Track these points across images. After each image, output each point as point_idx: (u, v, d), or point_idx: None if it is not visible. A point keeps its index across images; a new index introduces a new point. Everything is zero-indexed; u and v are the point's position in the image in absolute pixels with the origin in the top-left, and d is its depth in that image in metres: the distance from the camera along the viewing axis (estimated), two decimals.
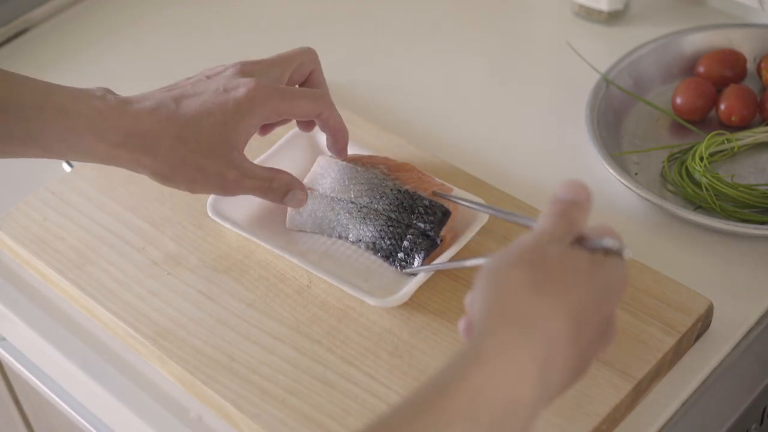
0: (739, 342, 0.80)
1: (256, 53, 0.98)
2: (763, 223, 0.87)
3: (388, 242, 0.83)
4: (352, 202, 0.84)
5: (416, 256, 0.81)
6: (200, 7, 1.22)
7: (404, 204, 0.83)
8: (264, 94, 0.78)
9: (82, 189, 0.93)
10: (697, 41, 1.03)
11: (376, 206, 0.84)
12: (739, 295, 0.83)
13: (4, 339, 0.93)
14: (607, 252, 0.60)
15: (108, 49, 1.17)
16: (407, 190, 0.84)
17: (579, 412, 0.72)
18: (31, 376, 0.92)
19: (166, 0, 1.23)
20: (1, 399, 1.11)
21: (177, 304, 0.82)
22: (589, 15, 1.13)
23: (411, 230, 0.82)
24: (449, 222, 0.82)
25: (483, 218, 0.84)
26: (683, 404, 0.76)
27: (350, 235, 0.84)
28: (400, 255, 0.82)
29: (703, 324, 0.79)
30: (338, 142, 0.85)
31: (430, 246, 0.82)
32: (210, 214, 0.86)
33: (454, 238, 0.83)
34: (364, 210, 0.84)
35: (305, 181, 0.87)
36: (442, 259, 0.81)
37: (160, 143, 0.76)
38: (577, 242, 0.61)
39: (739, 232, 0.86)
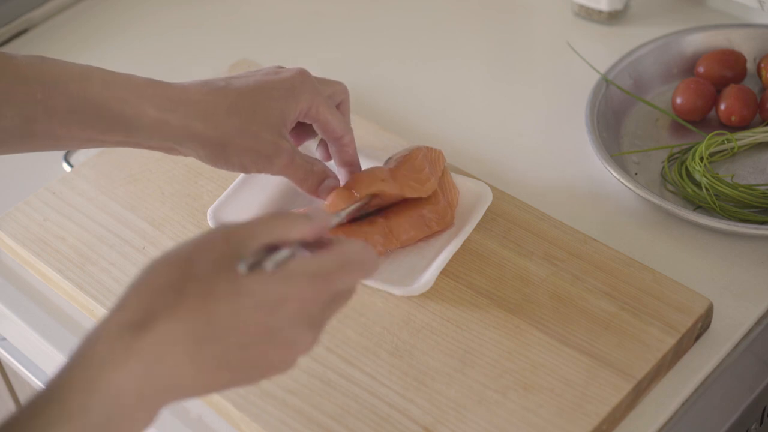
0: (739, 342, 0.80)
1: (257, 53, 0.99)
2: (763, 223, 0.87)
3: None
4: None
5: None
6: (200, 8, 1.22)
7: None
8: (311, 84, 0.79)
9: (82, 189, 0.93)
10: (697, 41, 1.03)
11: None
12: (739, 295, 0.83)
13: (4, 339, 0.93)
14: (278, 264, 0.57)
15: (108, 49, 1.17)
16: None
17: (579, 412, 0.72)
18: (31, 375, 0.92)
19: (166, 0, 1.23)
20: (1, 399, 1.11)
21: None
22: (589, 15, 1.13)
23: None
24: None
25: (487, 200, 0.85)
26: (683, 404, 0.76)
27: None
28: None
29: (703, 324, 0.79)
30: (349, 173, 0.84)
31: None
32: (211, 224, 0.85)
33: (451, 221, 0.84)
34: None
35: None
36: (449, 247, 0.82)
37: (215, 111, 0.75)
38: (269, 250, 0.58)
39: (739, 232, 0.86)
